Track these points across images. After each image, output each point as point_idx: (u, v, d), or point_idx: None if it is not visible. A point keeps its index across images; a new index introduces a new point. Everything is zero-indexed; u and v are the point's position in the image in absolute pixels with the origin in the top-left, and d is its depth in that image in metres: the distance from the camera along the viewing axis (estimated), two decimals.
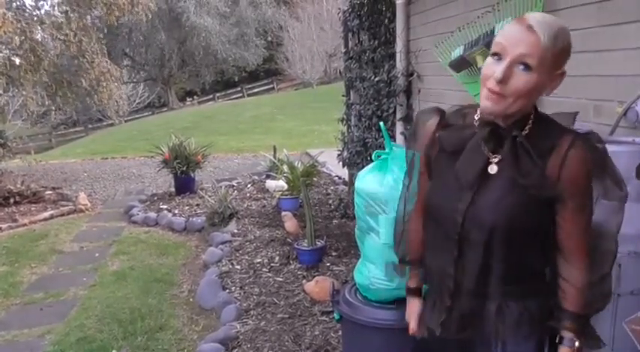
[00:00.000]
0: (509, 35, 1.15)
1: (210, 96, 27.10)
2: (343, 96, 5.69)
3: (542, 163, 1.19)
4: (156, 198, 7.19)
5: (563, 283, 1.28)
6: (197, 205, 6.48)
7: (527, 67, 1.12)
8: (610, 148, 1.55)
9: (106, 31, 11.33)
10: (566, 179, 1.19)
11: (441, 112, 1.40)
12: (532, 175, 1.20)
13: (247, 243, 4.72)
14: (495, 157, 1.25)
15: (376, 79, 4.50)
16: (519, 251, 1.26)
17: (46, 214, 6.72)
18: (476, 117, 1.29)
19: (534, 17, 1.15)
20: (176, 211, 6.34)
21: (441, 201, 1.33)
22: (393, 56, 4.39)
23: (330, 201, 5.93)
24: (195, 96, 27.14)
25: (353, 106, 5.26)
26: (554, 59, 1.14)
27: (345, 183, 6.53)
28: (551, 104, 2.41)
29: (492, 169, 1.26)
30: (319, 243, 4.13)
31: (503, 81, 1.13)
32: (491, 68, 1.16)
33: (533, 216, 1.23)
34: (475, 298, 1.30)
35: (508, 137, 1.22)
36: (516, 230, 1.23)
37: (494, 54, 1.17)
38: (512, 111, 1.17)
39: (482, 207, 1.25)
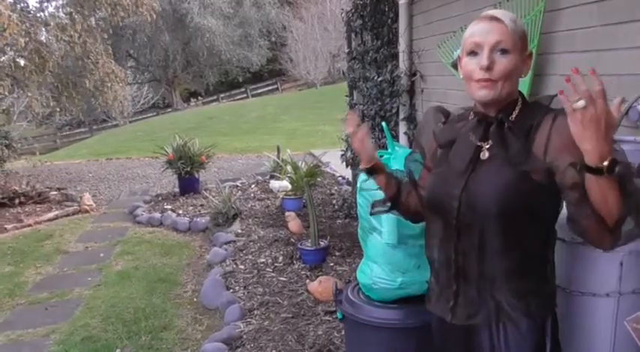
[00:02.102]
0: (479, 31, 1.27)
1: (214, 96, 27.17)
2: (346, 96, 5.70)
3: (529, 139, 1.25)
4: (160, 198, 7.22)
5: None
6: (201, 205, 6.51)
7: (504, 51, 1.24)
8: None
9: (110, 32, 11.37)
10: (555, 145, 1.21)
11: (446, 113, 1.49)
12: (520, 152, 1.25)
13: (251, 243, 4.73)
14: (487, 144, 1.33)
15: (379, 79, 4.50)
16: (514, 234, 1.28)
17: (51, 214, 6.75)
18: (471, 114, 1.39)
19: (493, 10, 1.29)
20: (180, 211, 6.36)
21: (439, 191, 1.39)
22: (396, 56, 4.40)
23: (334, 201, 5.94)
24: (199, 97, 27.21)
25: (356, 106, 5.26)
26: (521, 40, 1.27)
27: (348, 183, 6.54)
28: (553, 104, 2.41)
29: (484, 156, 1.33)
30: (323, 243, 4.14)
31: (489, 67, 1.23)
32: (472, 63, 1.27)
33: (525, 196, 1.25)
34: (479, 282, 1.34)
35: (495, 122, 1.31)
36: (509, 210, 1.25)
37: (470, 53, 1.28)
38: (504, 94, 1.27)
39: (475, 189, 1.30)
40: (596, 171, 1.04)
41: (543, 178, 1.23)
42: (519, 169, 1.24)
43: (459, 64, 1.34)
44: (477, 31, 1.27)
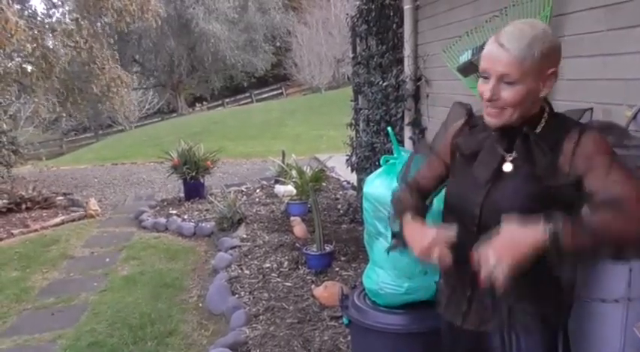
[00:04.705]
0: (489, 56, 1.23)
1: (219, 101, 27.22)
2: (351, 101, 5.70)
3: (554, 154, 1.24)
4: (165, 203, 7.23)
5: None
6: (206, 210, 6.51)
7: (510, 83, 1.20)
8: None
9: (116, 37, 11.46)
10: (582, 158, 1.21)
11: (470, 112, 1.48)
12: (545, 168, 1.25)
13: (256, 248, 4.73)
14: (510, 156, 1.32)
15: (384, 83, 4.50)
16: None
17: (57, 220, 6.78)
18: None
19: (506, 33, 1.21)
20: (185, 216, 6.37)
21: (460, 198, 1.39)
22: (401, 61, 4.40)
23: (339, 206, 5.93)
24: (204, 102, 27.29)
25: (361, 111, 5.26)
26: (535, 66, 1.20)
27: (353, 187, 6.53)
28: (560, 108, 2.40)
29: (507, 167, 1.32)
30: (328, 248, 4.13)
31: (491, 99, 1.22)
32: (482, 88, 1.25)
33: (547, 207, 1.24)
34: (493, 291, 1.31)
35: (520, 135, 1.28)
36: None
37: (483, 72, 1.26)
38: (515, 119, 1.25)
39: (498, 198, 1.30)
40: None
41: (565, 192, 1.24)
42: (545, 183, 1.24)
43: None
44: (487, 55, 1.24)
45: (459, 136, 1.44)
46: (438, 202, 1.57)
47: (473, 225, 1.33)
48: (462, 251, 1.38)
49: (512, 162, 1.31)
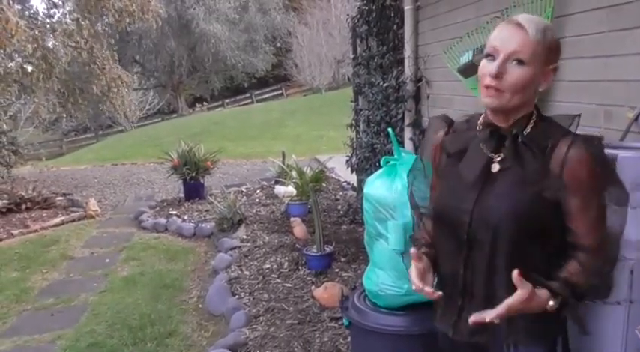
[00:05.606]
0: (500, 35, 1.22)
1: (219, 102, 27.23)
2: (352, 101, 5.70)
3: (544, 160, 1.22)
4: (165, 203, 7.23)
5: (569, 262, 1.25)
6: (206, 211, 6.51)
7: (520, 62, 1.19)
8: (621, 154, 1.54)
9: (117, 37, 11.47)
10: (568, 178, 1.20)
11: (449, 122, 1.45)
12: (534, 171, 1.22)
13: (256, 249, 4.73)
14: (498, 156, 1.29)
15: (385, 84, 4.50)
16: (525, 252, 1.25)
17: (57, 220, 6.77)
18: (480, 121, 1.34)
19: (521, 16, 1.22)
20: (185, 217, 6.37)
21: (448, 203, 1.35)
22: (401, 62, 4.40)
23: (339, 207, 5.93)
24: (204, 103, 27.30)
25: (361, 112, 5.26)
26: (545, 53, 1.20)
27: (353, 188, 6.53)
28: (561, 109, 2.40)
29: (495, 168, 1.29)
30: (328, 249, 4.13)
31: (497, 76, 1.19)
32: (486, 67, 1.22)
33: (538, 214, 1.23)
34: (485, 301, 1.29)
35: (509, 136, 1.26)
36: (521, 228, 1.23)
37: (488, 55, 1.23)
38: (512, 106, 1.22)
39: (487, 205, 1.27)
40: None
41: (557, 196, 1.22)
42: (534, 188, 1.22)
43: None
44: (499, 35, 1.23)
45: (444, 139, 1.42)
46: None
47: (463, 234, 1.30)
48: (453, 258, 1.35)
49: (500, 163, 1.28)
